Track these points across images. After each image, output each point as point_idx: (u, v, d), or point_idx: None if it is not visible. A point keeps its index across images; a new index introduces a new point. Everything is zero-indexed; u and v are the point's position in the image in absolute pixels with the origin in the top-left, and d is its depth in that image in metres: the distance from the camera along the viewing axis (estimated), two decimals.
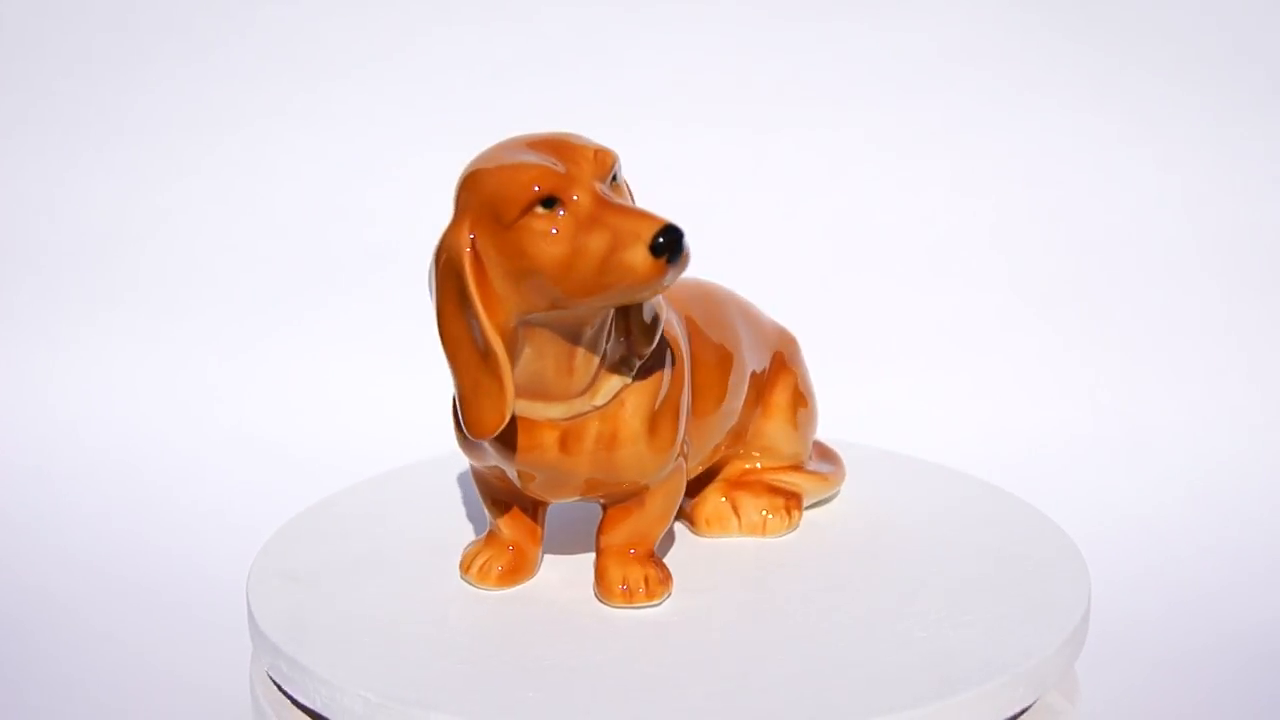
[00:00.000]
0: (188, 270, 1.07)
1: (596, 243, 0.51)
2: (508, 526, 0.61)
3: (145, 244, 1.07)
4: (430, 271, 0.55)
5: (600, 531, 0.61)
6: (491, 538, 0.62)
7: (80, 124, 1.06)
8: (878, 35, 1.07)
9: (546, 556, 0.64)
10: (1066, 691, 0.62)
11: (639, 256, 0.51)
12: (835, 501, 0.70)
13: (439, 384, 1.11)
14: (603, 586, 0.60)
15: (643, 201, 1.13)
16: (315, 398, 1.04)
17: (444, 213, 1.07)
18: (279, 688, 0.58)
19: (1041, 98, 1.07)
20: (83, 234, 1.06)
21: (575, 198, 0.52)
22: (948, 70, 1.07)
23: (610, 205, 0.52)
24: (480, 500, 0.62)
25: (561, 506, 0.65)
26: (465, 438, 0.57)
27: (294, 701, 0.58)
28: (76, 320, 1.06)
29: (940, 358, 1.07)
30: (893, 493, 0.71)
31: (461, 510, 0.70)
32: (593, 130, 1.08)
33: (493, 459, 0.58)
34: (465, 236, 0.53)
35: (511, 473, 0.58)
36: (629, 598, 0.59)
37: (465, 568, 0.62)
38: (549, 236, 0.51)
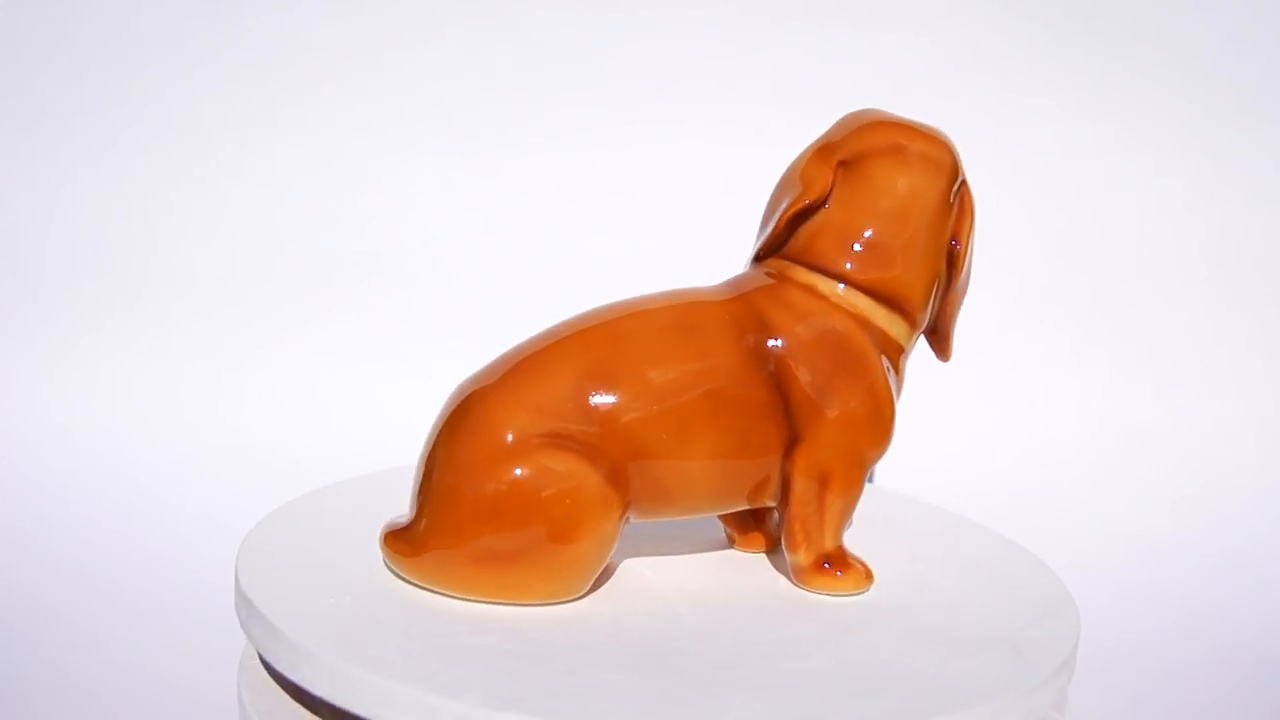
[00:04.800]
0: (180, 277, 1.06)
1: None
2: None
3: (138, 251, 1.06)
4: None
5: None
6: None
7: (72, 133, 1.06)
8: (873, 41, 1.07)
9: None
10: (1057, 704, 0.62)
11: None
12: None
13: (433, 391, 1.12)
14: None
15: (639, 204, 1.13)
16: (308, 404, 1.04)
17: (435, 218, 1.08)
18: (269, 668, 0.58)
19: (1036, 100, 1.08)
20: (74, 242, 1.06)
21: None
22: (940, 75, 1.07)
23: None
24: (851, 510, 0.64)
25: None
26: None
27: (283, 685, 0.58)
28: (68, 327, 1.05)
29: (920, 369, 1.07)
30: (875, 533, 0.71)
31: None
32: (587, 134, 1.10)
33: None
34: None
35: None
36: None
37: (858, 580, 0.64)
38: None
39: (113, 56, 1.05)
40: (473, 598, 0.59)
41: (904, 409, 0.99)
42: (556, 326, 0.63)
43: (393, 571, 0.61)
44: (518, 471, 0.58)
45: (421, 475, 0.61)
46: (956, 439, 1.03)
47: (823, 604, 0.63)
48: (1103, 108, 1.07)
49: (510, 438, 0.58)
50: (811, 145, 0.66)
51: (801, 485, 0.62)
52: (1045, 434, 1.04)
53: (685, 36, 1.07)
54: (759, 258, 0.65)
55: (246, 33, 1.06)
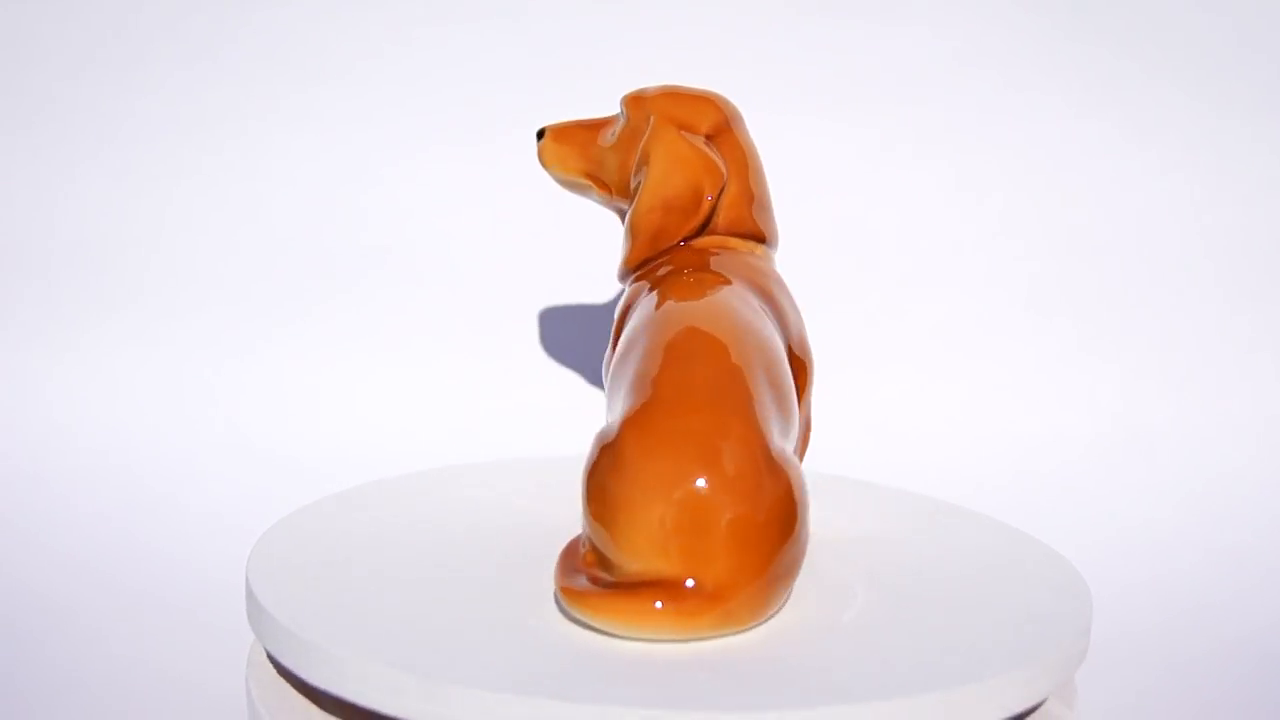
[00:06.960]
0: (183, 274, 1.06)
1: None
2: None
3: (141, 247, 1.06)
4: None
5: None
6: None
7: (73, 128, 1.06)
8: (882, 36, 1.07)
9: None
10: (1065, 698, 0.62)
11: None
12: (820, 533, 0.70)
13: (436, 388, 1.12)
14: None
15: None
16: (312, 402, 1.04)
17: (441, 212, 1.08)
18: (278, 667, 0.58)
19: (1045, 97, 1.07)
20: (77, 238, 1.06)
21: None
22: (949, 71, 1.07)
23: None
24: None
25: None
26: None
27: (293, 683, 0.58)
28: (72, 324, 1.05)
29: (931, 366, 1.07)
30: (887, 527, 0.71)
31: (460, 513, 0.69)
32: None
33: None
34: None
35: None
36: None
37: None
38: None
39: (114, 51, 1.05)
40: (756, 625, 0.56)
41: (914, 406, 1.00)
42: (680, 338, 0.60)
43: (642, 638, 0.55)
44: (791, 479, 0.57)
45: (685, 527, 0.55)
46: (966, 435, 1.03)
47: (826, 595, 0.63)
48: (1111, 104, 1.07)
49: (774, 452, 0.57)
50: (657, 130, 0.69)
51: (801, 439, 0.68)
52: (1053, 430, 1.04)
53: (692, 30, 1.06)
54: (688, 239, 0.68)
55: (248, 26, 1.05)
